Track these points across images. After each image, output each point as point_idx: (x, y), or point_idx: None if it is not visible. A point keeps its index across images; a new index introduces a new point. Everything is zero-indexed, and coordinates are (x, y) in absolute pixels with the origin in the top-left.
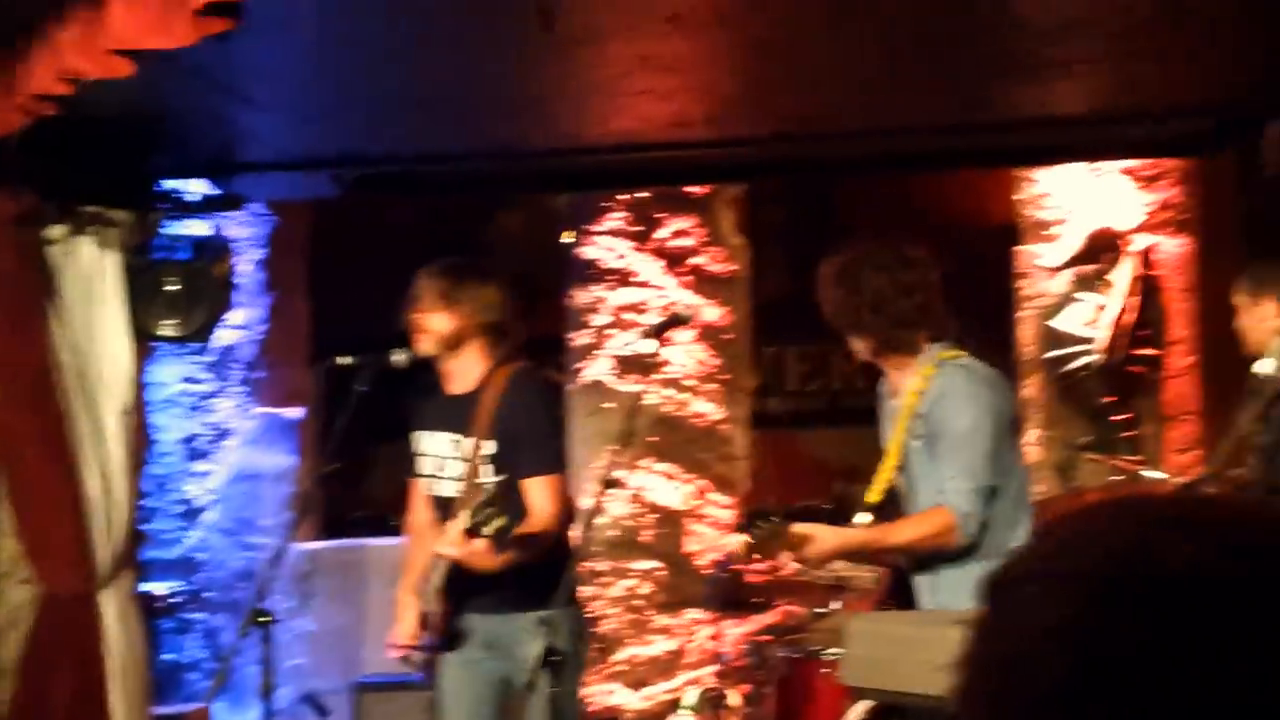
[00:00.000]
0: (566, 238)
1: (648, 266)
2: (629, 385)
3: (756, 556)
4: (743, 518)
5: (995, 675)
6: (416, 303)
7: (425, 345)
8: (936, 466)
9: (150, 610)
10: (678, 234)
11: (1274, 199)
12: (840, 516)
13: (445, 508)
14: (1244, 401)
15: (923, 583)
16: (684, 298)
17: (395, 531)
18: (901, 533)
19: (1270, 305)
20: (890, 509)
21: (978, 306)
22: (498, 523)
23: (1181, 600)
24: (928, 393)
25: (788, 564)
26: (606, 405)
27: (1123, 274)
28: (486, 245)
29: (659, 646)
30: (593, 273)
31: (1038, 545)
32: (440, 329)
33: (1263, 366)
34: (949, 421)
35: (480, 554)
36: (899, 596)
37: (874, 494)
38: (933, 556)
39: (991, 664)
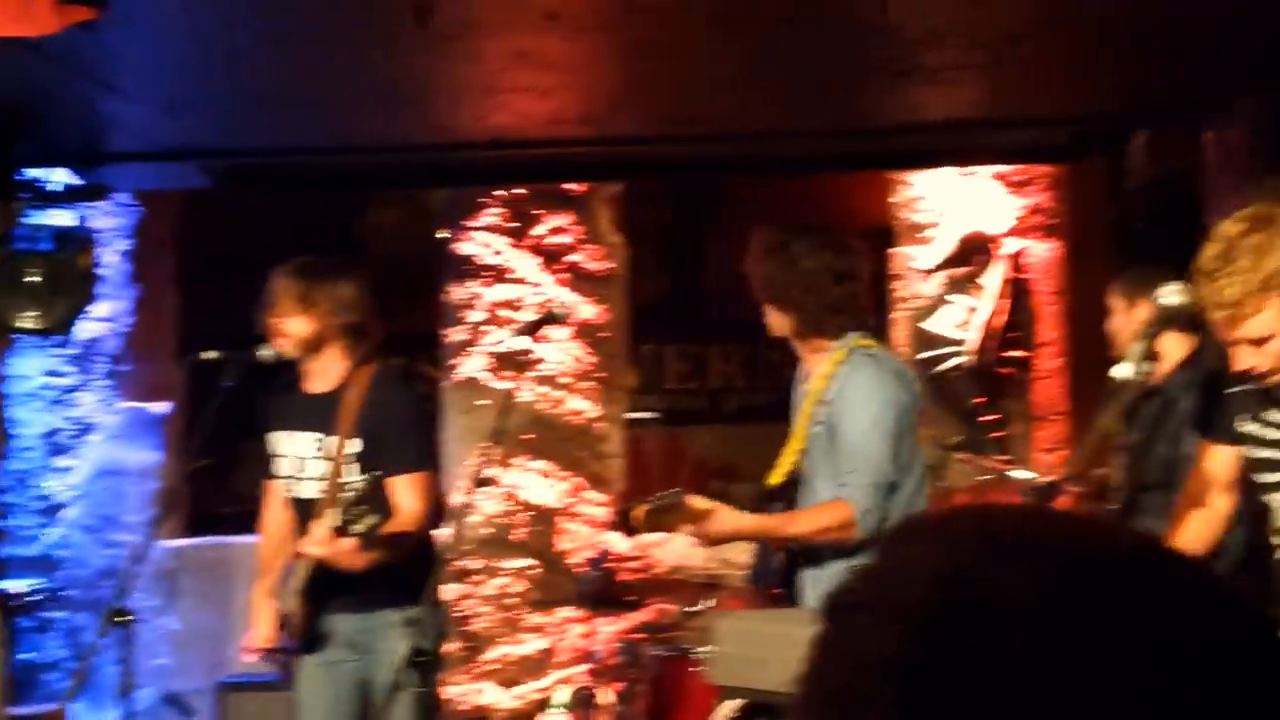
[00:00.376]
0: (442, 233)
1: (524, 263)
2: (504, 382)
3: (652, 527)
4: (618, 512)
5: (826, 705)
6: (273, 306)
7: (285, 348)
8: (835, 457)
9: (9, 609)
10: (555, 231)
11: (1140, 206)
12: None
13: (306, 509)
14: (1104, 403)
15: (807, 576)
16: (561, 295)
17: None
18: (800, 524)
19: (1144, 309)
20: (792, 492)
21: None
22: (368, 521)
23: (1007, 634)
24: (835, 379)
25: (685, 536)
26: (481, 402)
27: (993, 277)
28: (359, 239)
29: (531, 645)
30: (469, 269)
31: (871, 570)
32: (298, 332)
33: (1121, 370)
34: (852, 413)
35: (348, 553)
36: (790, 588)
37: (776, 477)
38: (822, 550)
39: (822, 693)
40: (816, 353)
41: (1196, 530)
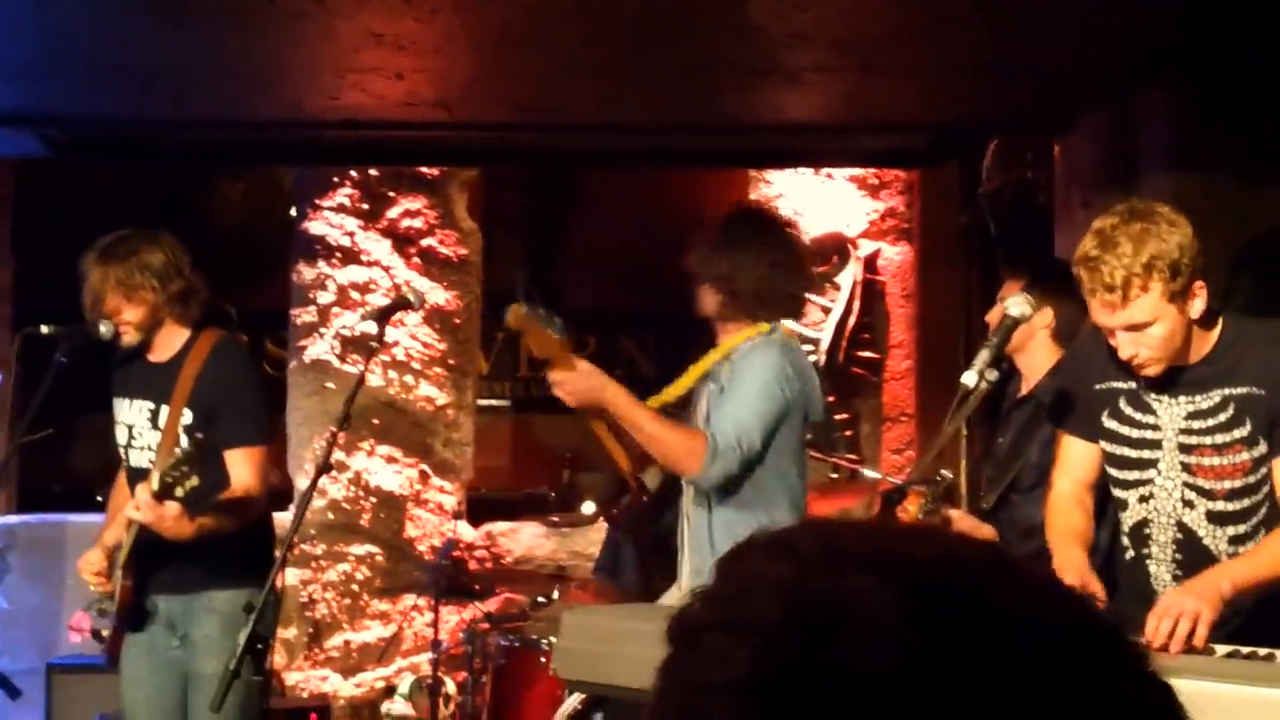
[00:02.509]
0: (291, 211)
1: (376, 246)
2: (352, 366)
3: (521, 328)
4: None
5: None
6: (96, 301)
7: (127, 338)
8: (720, 410)
9: None
10: (408, 214)
11: (992, 212)
12: (570, 503)
13: (138, 478)
14: (951, 409)
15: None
16: (413, 279)
17: (98, 507)
18: (653, 424)
19: (1047, 314)
20: None
21: None
22: (190, 484)
23: (863, 649)
24: (742, 347)
25: (549, 376)
26: (328, 385)
27: (847, 278)
28: (200, 213)
29: (374, 632)
30: (318, 249)
31: (714, 589)
32: (131, 320)
33: (968, 377)
34: (747, 375)
35: (172, 519)
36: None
37: (670, 396)
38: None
39: (670, 714)
40: (732, 335)
41: (1068, 524)
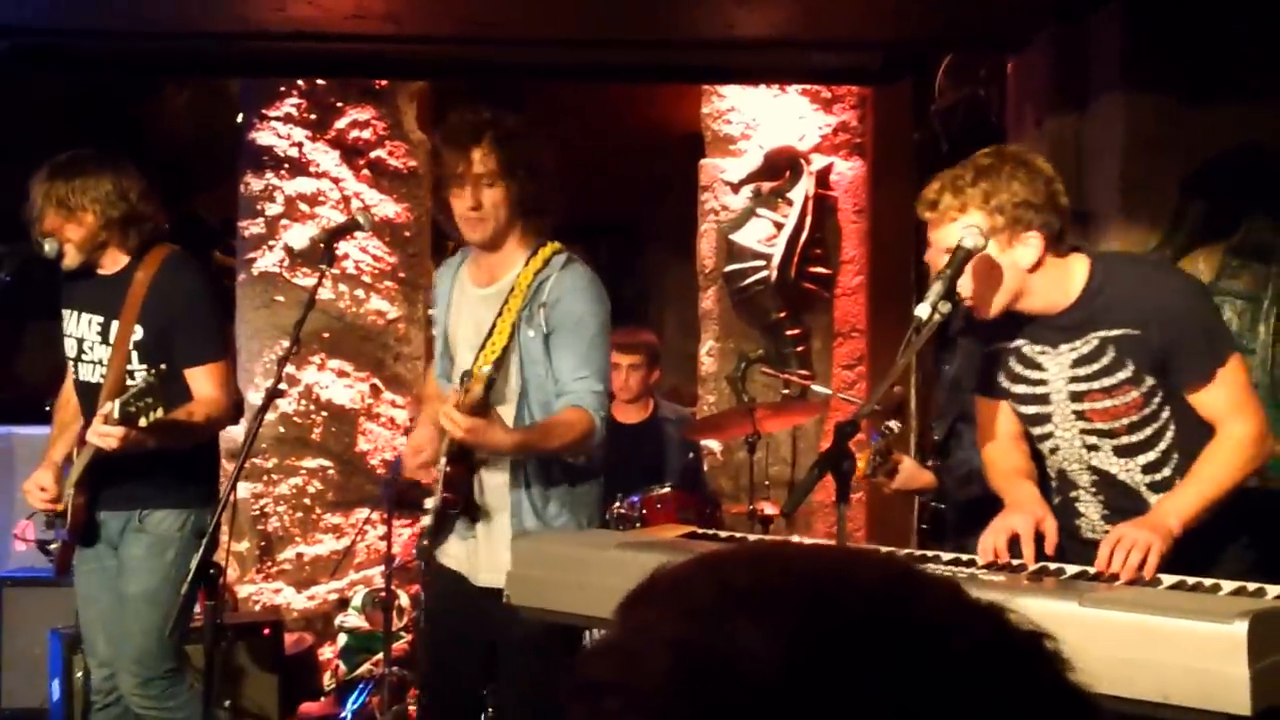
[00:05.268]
0: (238, 120)
1: (324, 157)
2: (302, 279)
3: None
4: None
5: None
6: (39, 219)
7: (68, 259)
8: (558, 361)
9: None
10: (356, 125)
11: (944, 128)
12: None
13: (87, 392)
14: (904, 341)
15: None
16: (362, 192)
17: (46, 418)
18: (556, 437)
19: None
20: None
21: (661, 215)
22: (155, 414)
23: (752, 696)
24: (548, 283)
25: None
26: (278, 298)
27: (800, 193)
28: (141, 122)
29: (327, 546)
30: (266, 160)
31: (613, 642)
32: (73, 239)
33: (921, 309)
34: (579, 319)
35: (134, 441)
36: None
37: (485, 363)
38: (539, 474)
39: None
40: (501, 252)
41: (1011, 464)
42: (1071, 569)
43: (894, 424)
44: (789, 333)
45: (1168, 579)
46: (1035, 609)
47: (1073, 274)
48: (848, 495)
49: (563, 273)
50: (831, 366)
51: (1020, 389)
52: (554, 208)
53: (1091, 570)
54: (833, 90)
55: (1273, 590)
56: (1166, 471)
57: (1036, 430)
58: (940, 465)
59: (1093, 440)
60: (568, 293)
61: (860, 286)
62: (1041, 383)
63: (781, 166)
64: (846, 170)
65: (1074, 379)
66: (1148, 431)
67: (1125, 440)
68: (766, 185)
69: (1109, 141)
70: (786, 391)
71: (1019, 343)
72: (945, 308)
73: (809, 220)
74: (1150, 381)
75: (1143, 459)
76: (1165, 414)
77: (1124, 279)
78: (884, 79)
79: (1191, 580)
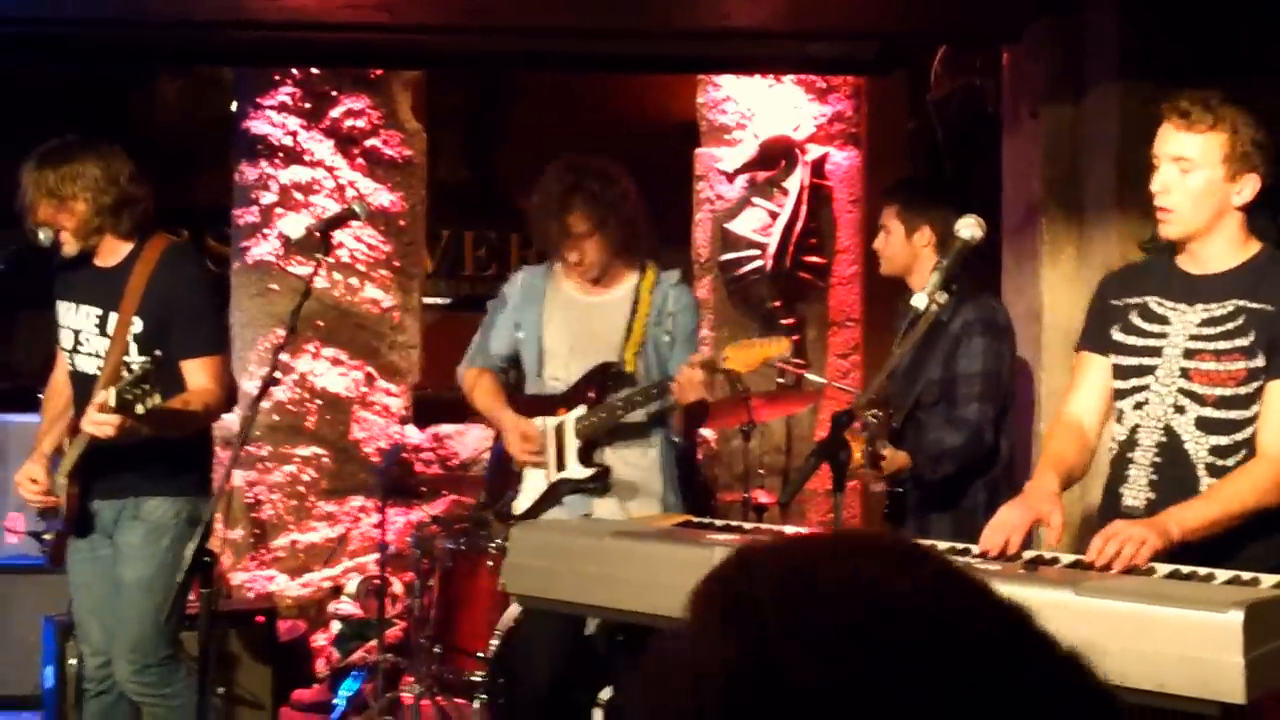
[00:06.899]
0: (233, 107)
1: (319, 146)
2: (297, 267)
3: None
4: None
5: None
6: (33, 210)
7: (66, 248)
8: (674, 366)
9: None
10: (351, 114)
11: (940, 119)
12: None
13: (83, 384)
14: (900, 333)
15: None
16: (357, 180)
17: (39, 405)
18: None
19: (924, 236)
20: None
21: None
22: (152, 401)
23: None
24: (670, 297)
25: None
26: (272, 287)
27: (795, 182)
28: (135, 110)
29: (321, 533)
30: (260, 149)
31: (663, 668)
32: (68, 226)
33: (918, 300)
34: (691, 332)
35: (132, 430)
36: None
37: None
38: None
39: None
40: (621, 268)
41: (1055, 450)
42: (1067, 558)
43: (877, 413)
44: (784, 322)
45: (1163, 568)
46: (1030, 598)
47: (1247, 242)
48: (844, 484)
49: (677, 288)
50: (826, 355)
51: (1133, 340)
52: (648, 234)
53: (1086, 560)
54: (828, 80)
55: (1267, 580)
56: (1229, 461)
57: (1131, 383)
58: (914, 443)
59: (1184, 402)
60: (684, 309)
61: (855, 276)
62: (1161, 336)
63: (777, 156)
64: (842, 160)
65: (1194, 337)
66: (1234, 414)
67: (1211, 413)
68: (762, 175)
69: (1105, 132)
70: (781, 380)
71: (1148, 299)
72: (942, 298)
73: (804, 210)
74: (1260, 361)
75: (1215, 440)
76: (1254, 408)
77: None
78: (879, 69)
79: (1186, 569)
